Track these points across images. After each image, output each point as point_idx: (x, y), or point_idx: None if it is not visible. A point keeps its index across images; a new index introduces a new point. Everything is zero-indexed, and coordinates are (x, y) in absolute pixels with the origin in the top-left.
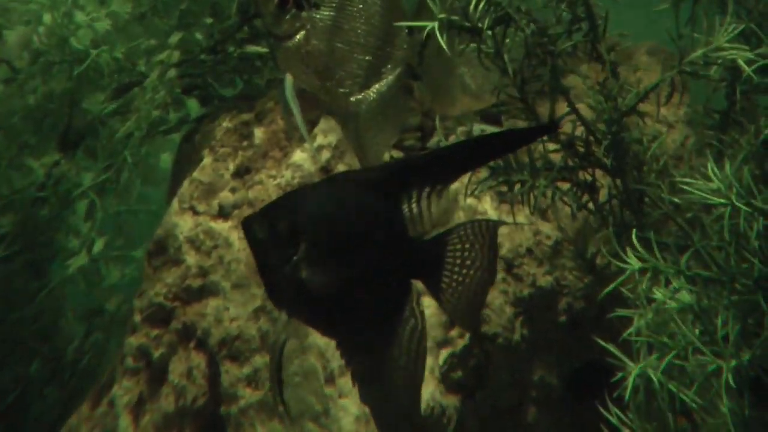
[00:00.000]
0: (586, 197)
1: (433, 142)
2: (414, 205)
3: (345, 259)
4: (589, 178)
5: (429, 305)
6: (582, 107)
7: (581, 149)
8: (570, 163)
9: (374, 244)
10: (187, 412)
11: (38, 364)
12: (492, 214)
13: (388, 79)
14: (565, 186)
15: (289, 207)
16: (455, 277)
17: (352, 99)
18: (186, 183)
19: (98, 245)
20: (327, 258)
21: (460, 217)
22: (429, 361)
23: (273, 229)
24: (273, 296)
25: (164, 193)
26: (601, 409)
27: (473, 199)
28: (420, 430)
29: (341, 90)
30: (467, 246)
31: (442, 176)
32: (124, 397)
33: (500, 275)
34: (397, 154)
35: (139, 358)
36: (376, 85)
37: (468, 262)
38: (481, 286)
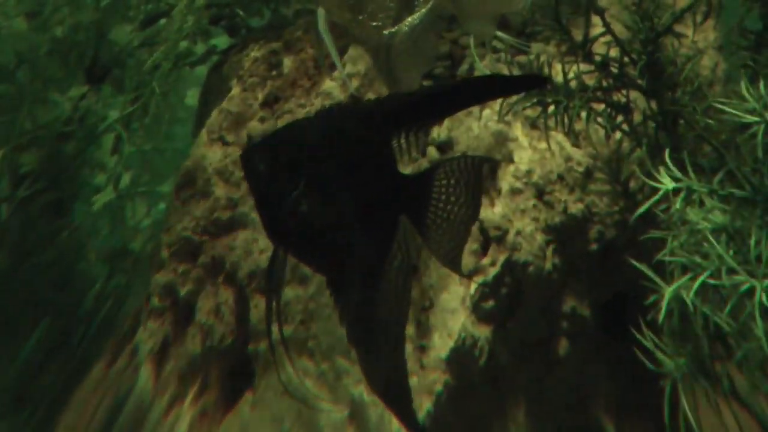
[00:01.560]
0: (620, 118)
1: (462, 69)
2: (403, 141)
3: (342, 193)
4: (623, 99)
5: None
6: (616, 28)
7: (615, 70)
8: (604, 84)
9: (368, 178)
10: (213, 352)
11: (49, 323)
12: (522, 140)
13: (421, 11)
14: (600, 107)
15: (290, 139)
16: (440, 213)
17: (385, 32)
18: (214, 113)
19: (125, 180)
20: (326, 191)
21: (490, 143)
22: (460, 290)
23: (275, 162)
24: (272, 231)
25: (189, 131)
26: (635, 333)
27: (503, 124)
28: (404, 376)
29: (373, 23)
30: (453, 182)
31: (431, 115)
32: (148, 342)
33: (531, 202)
34: (427, 83)
35: (165, 297)
36: (409, 18)
37: (453, 198)
38: (464, 223)
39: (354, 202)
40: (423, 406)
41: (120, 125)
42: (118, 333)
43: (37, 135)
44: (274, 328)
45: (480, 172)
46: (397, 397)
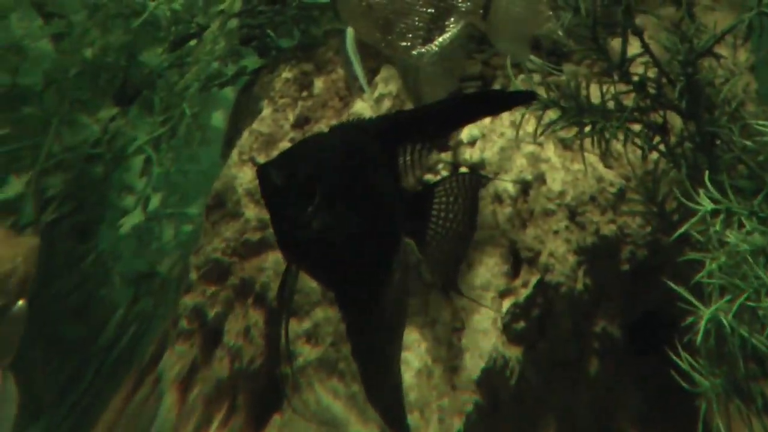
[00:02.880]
0: (657, 139)
1: None
2: (407, 158)
3: (354, 209)
4: (659, 120)
5: (489, 254)
6: (653, 47)
7: (653, 91)
8: (641, 104)
9: (377, 194)
10: (241, 375)
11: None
12: (555, 161)
13: (452, 32)
14: (636, 128)
15: (306, 155)
16: (439, 230)
17: (414, 52)
18: (245, 134)
19: (154, 202)
20: (339, 207)
21: (522, 164)
22: (491, 312)
23: (292, 177)
24: (286, 246)
25: (215, 153)
26: (671, 355)
27: (536, 146)
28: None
29: (402, 43)
30: (452, 199)
31: (432, 132)
32: (174, 366)
33: (564, 223)
34: None
35: (193, 319)
36: (439, 39)
37: (451, 216)
38: (462, 240)
39: (364, 217)
40: (453, 426)
41: (149, 147)
42: (141, 360)
43: (64, 158)
44: (285, 342)
45: (476, 191)
46: (392, 408)
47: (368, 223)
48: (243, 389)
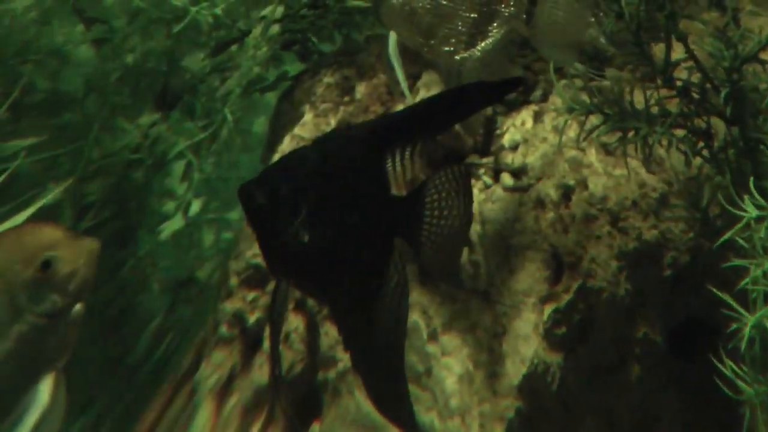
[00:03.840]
0: (700, 144)
1: (535, 95)
2: (397, 163)
3: (342, 220)
4: (703, 125)
5: (531, 260)
6: (698, 53)
7: (697, 96)
8: (685, 110)
9: (365, 202)
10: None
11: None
12: (597, 166)
13: (494, 37)
14: (680, 133)
15: (289, 170)
16: (433, 229)
17: (456, 57)
18: (287, 139)
19: (195, 207)
20: (326, 219)
21: (565, 169)
22: (533, 317)
23: (274, 194)
24: (274, 265)
25: (256, 159)
26: (716, 362)
27: (578, 150)
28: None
29: (445, 48)
30: (443, 195)
31: (421, 133)
32: (212, 375)
33: (606, 228)
34: (499, 108)
35: (233, 325)
36: (482, 44)
37: (445, 212)
38: (458, 234)
39: (352, 227)
40: None
41: (190, 152)
42: (177, 370)
43: (104, 164)
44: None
45: (468, 180)
46: (402, 414)
47: (357, 231)
48: (282, 396)
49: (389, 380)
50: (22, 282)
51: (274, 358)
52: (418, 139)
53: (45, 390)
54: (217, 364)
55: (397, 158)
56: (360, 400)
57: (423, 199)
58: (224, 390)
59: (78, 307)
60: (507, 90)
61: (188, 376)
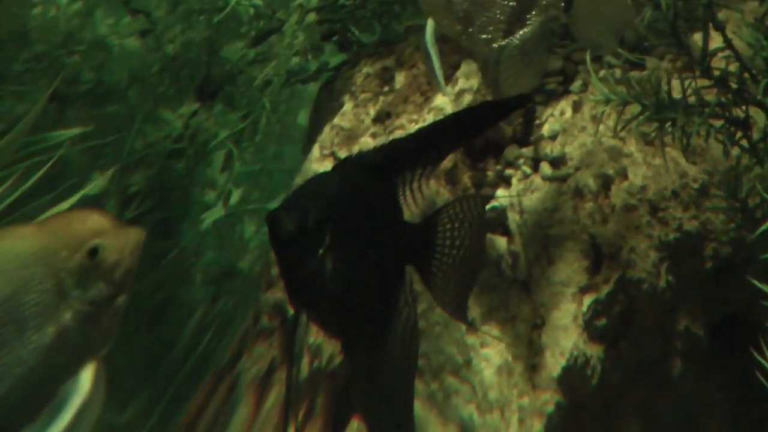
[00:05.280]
0: (739, 134)
1: (575, 85)
2: (407, 189)
3: (361, 248)
4: (741, 115)
5: (570, 250)
6: (736, 43)
7: (734, 86)
8: (723, 99)
9: (382, 230)
10: (321, 375)
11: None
12: (637, 155)
13: (533, 25)
14: (718, 123)
15: (314, 197)
16: (445, 259)
17: (494, 45)
18: (326, 129)
19: (235, 196)
20: (347, 248)
21: (604, 159)
22: (572, 308)
23: (303, 222)
24: (297, 295)
25: (299, 152)
26: (756, 356)
27: (617, 140)
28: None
29: (483, 36)
30: (456, 225)
31: (431, 156)
32: (252, 368)
33: (645, 219)
34: (539, 98)
35: (274, 316)
36: (520, 32)
37: (457, 242)
38: (470, 268)
39: (370, 256)
40: (534, 428)
41: (231, 142)
42: (219, 363)
43: (147, 154)
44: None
45: (483, 211)
46: None
47: (374, 260)
48: (322, 390)
49: (394, 423)
50: (69, 268)
51: (289, 388)
52: (429, 163)
53: (86, 379)
54: (256, 358)
55: (408, 183)
56: None
57: (436, 226)
58: (264, 383)
59: (121, 297)
60: (514, 107)
61: (230, 368)
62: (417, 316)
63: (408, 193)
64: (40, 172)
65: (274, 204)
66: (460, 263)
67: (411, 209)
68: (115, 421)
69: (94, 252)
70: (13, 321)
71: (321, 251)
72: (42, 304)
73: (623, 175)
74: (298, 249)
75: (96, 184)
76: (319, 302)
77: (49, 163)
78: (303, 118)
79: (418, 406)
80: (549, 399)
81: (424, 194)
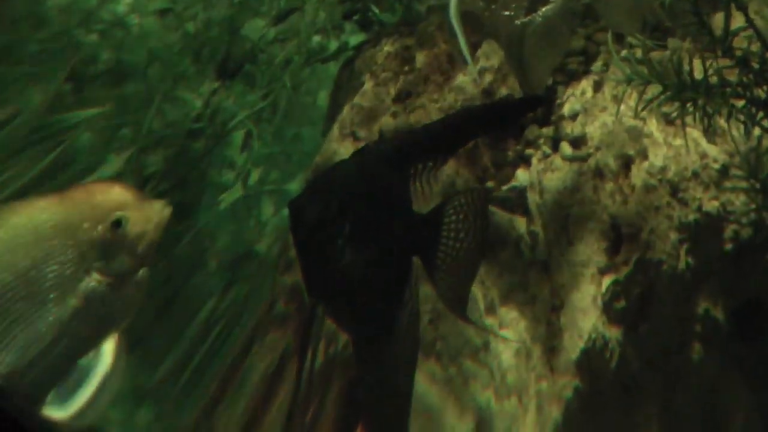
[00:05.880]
0: (760, 115)
1: (596, 65)
2: (418, 179)
3: (377, 240)
4: (763, 95)
5: (590, 230)
6: (758, 23)
7: (756, 66)
8: (745, 79)
9: (395, 220)
10: (336, 362)
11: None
12: (657, 135)
13: (556, 3)
14: (739, 103)
15: (335, 186)
16: (449, 251)
17: (517, 22)
18: (346, 109)
19: (254, 176)
20: (365, 239)
21: (624, 139)
22: (591, 289)
23: (324, 210)
24: (315, 284)
25: (319, 133)
26: None
27: (638, 120)
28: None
29: (505, 13)
30: (461, 217)
31: (444, 150)
32: (266, 357)
33: (665, 199)
34: (560, 77)
35: (290, 300)
36: (543, 9)
37: (461, 235)
38: (471, 262)
39: (384, 246)
40: (552, 414)
41: (250, 121)
42: (231, 352)
43: (165, 134)
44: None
45: (486, 205)
46: None
47: (389, 252)
48: (336, 379)
49: (396, 411)
50: (92, 240)
51: (300, 376)
52: (441, 156)
53: (108, 351)
54: (270, 347)
55: (419, 174)
56: (417, 379)
57: (442, 218)
58: (280, 369)
59: (143, 271)
60: (527, 108)
61: (242, 358)
62: (419, 309)
63: (418, 183)
64: (54, 153)
65: (293, 185)
66: (463, 257)
67: (419, 200)
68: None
69: (117, 224)
70: (33, 293)
71: (340, 241)
72: (63, 275)
73: (644, 155)
74: (319, 238)
75: (111, 165)
76: (336, 293)
77: (63, 145)
78: (323, 99)
79: (435, 393)
80: (567, 383)
81: (433, 186)
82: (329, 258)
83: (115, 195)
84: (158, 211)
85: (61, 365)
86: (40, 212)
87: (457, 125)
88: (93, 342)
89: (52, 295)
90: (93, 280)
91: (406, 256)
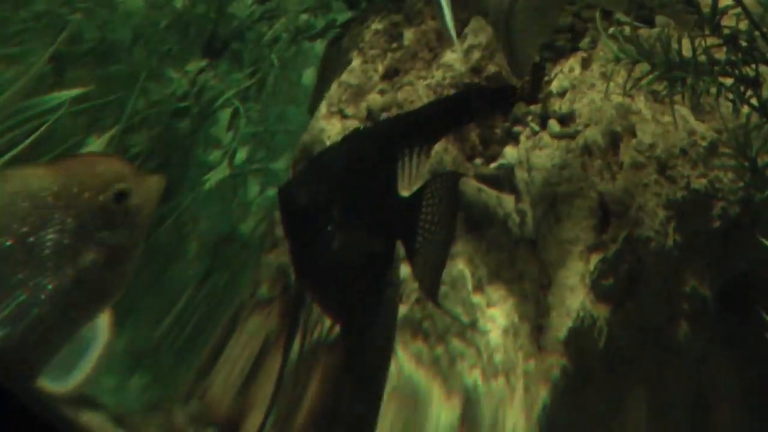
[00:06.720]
0: (749, 92)
1: (584, 42)
2: (406, 163)
3: (366, 225)
4: (751, 73)
5: (578, 207)
6: (746, 1)
7: (745, 44)
8: (733, 58)
9: (383, 206)
10: (321, 346)
11: None
12: (646, 112)
13: None
14: (728, 81)
15: (324, 171)
16: (426, 235)
17: None
18: (334, 86)
19: (240, 155)
20: (353, 224)
21: (612, 116)
22: (579, 266)
23: (314, 197)
24: (305, 272)
25: (304, 112)
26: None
27: (626, 97)
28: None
29: None
30: (437, 201)
31: (428, 135)
32: (243, 353)
33: (653, 177)
34: (548, 54)
35: (275, 281)
36: None
37: (436, 219)
38: (443, 246)
39: (371, 232)
40: (539, 395)
41: (237, 100)
42: (207, 342)
43: (150, 113)
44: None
45: (457, 189)
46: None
47: (376, 236)
48: (321, 364)
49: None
50: (93, 210)
51: (283, 365)
52: (428, 141)
53: (105, 325)
54: (251, 333)
55: (406, 158)
56: (403, 360)
57: (421, 201)
58: (264, 351)
59: (140, 244)
60: (503, 97)
61: (220, 348)
62: (398, 294)
63: (405, 168)
64: (33, 136)
65: (279, 163)
66: (437, 242)
67: (405, 182)
68: None
69: (120, 196)
70: (33, 259)
71: (330, 228)
72: (62, 244)
73: (632, 132)
74: (309, 225)
75: (93, 145)
76: (327, 279)
77: (44, 127)
78: (307, 78)
79: (422, 373)
80: (555, 363)
81: (420, 170)
82: (320, 245)
83: (116, 166)
84: (155, 184)
85: (58, 337)
86: (37, 180)
87: (446, 111)
88: (87, 315)
89: (49, 264)
90: (92, 252)
91: (390, 239)
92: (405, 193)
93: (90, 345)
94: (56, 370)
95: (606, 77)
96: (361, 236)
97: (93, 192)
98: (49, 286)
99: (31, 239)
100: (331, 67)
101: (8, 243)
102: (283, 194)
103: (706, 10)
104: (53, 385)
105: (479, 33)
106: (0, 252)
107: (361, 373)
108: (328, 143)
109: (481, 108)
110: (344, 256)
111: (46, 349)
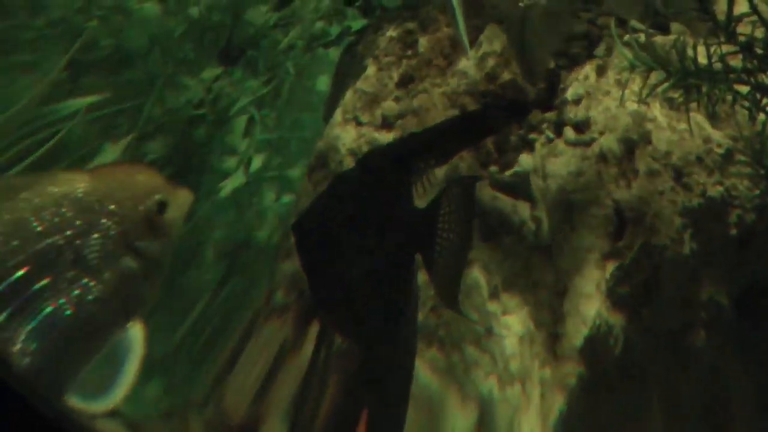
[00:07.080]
0: (765, 100)
1: (599, 50)
2: (419, 180)
3: (384, 248)
4: (767, 81)
5: (593, 215)
6: (762, 8)
7: (760, 51)
8: (749, 65)
9: (401, 225)
10: (335, 353)
11: None
12: (661, 120)
13: None
14: (744, 89)
15: (338, 199)
16: (445, 243)
17: (520, 5)
18: (349, 93)
19: (256, 163)
20: (372, 249)
21: (628, 123)
22: (595, 274)
23: (328, 227)
24: (327, 303)
25: (319, 119)
26: None
27: (642, 105)
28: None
29: None
30: (453, 208)
31: (443, 153)
32: (263, 352)
33: (669, 184)
34: (562, 62)
35: (290, 289)
36: None
37: (453, 226)
38: (461, 253)
39: (392, 254)
40: (555, 403)
41: (253, 107)
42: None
43: (166, 121)
44: None
45: (472, 195)
46: None
47: (395, 257)
48: (335, 370)
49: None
50: (135, 219)
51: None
52: (442, 156)
53: (138, 338)
54: (266, 342)
55: (420, 173)
56: (419, 369)
57: (438, 211)
58: (278, 360)
59: (169, 255)
60: (515, 112)
61: (236, 355)
62: (417, 309)
63: (419, 183)
64: (50, 143)
65: (294, 171)
66: (455, 249)
67: (419, 195)
68: None
69: (162, 206)
70: (80, 260)
71: (348, 257)
72: (106, 249)
73: (647, 139)
74: (325, 259)
75: (107, 155)
76: (347, 311)
77: (60, 134)
78: (322, 84)
79: (437, 381)
80: (571, 371)
81: (432, 185)
82: (338, 275)
83: (155, 177)
84: (187, 198)
85: (88, 346)
86: (80, 184)
87: (460, 128)
88: (122, 322)
89: (94, 267)
90: (130, 260)
91: (410, 256)
92: (421, 203)
93: (125, 359)
94: (90, 385)
95: (621, 85)
96: (380, 262)
97: (136, 201)
98: (95, 289)
99: (78, 242)
100: (346, 74)
101: (60, 242)
102: (298, 230)
103: (721, 17)
104: (89, 402)
105: (494, 40)
106: (56, 247)
107: (386, 402)
108: (343, 151)
109: (496, 124)
110: (364, 286)
111: (78, 354)
